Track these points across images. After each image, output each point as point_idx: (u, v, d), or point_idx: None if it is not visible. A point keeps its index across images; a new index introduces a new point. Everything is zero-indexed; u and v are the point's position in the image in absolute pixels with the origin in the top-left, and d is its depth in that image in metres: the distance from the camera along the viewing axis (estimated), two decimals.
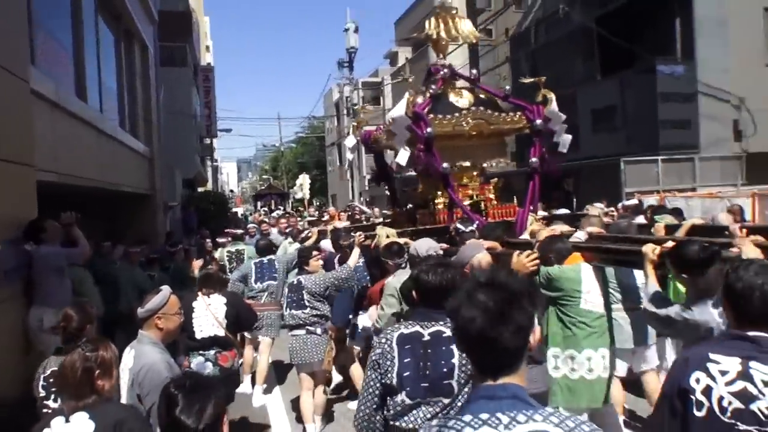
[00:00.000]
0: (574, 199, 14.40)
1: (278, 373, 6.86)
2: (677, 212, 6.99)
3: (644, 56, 14.52)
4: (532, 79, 6.12)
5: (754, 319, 1.86)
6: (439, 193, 6.03)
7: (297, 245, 7.39)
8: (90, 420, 2.17)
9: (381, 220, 9.25)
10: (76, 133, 6.84)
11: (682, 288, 4.14)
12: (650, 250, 3.14)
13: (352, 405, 5.50)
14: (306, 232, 8.08)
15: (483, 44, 19.63)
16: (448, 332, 2.32)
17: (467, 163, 6.22)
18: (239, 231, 9.86)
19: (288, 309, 5.07)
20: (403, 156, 5.71)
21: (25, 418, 2.85)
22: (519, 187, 6.59)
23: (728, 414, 1.78)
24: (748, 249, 2.82)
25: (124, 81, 10.36)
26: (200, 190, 25.34)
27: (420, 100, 5.72)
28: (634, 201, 10.30)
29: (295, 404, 5.62)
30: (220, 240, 9.29)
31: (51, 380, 2.95)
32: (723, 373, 1.82)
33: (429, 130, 5.53)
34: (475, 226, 4.95)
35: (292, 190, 31.60)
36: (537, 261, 3.56)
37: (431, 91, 6.09)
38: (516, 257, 3.47)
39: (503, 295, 1.38)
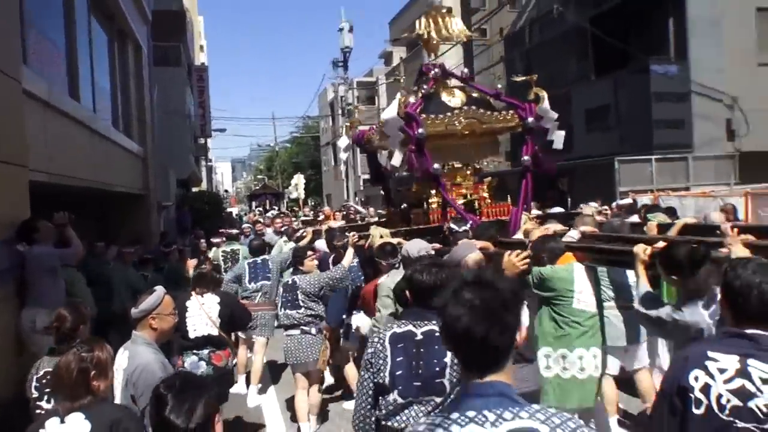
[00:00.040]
0: (569, 199, 14.44)
1: (273, 373, 6.87)
2: (671, 211, 7.04)
3: (638, 56, 14.58)
4: (524, 77, 6.15)
5: (752, 317, 1.88)
6: (433, 192, 6.04)
7: (292, 244, 7.39)
8: (86, 420, 2.16)
9: (376, 219, 9.25)
10: (68, 133, 6.81)
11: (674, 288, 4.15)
12: (641, 250, 3.09)
13: (347, 404, 5.51)
14: (301, 231, 8.08)
15: (477, 44, 19.63)
16: None
17: (460, 163, 6.23)
18: (234, 231, 9.84)
19: (283, 309, 5.08)
20: (397, 158, 5.72)
21: (19, 419, 2.84)
22: (513, 186, 6.61)
23: (727, 411, 1.80)
24: (738, 248, 2.84)
25: (118, 81, 10.29)
26: (194, 190, 25.24)
27: (412, 100, 5.73)
28: (628, 200, 10.32)
29: (289, 404, 5.63)
30: (215, 240, 9.28)
31: (44, 381, 2.94)
32: (721, 370, 1.83)
33: (420, 130, 5.54)
34: (468, 225, 4.96)
35: (287, 190, 31.52)
36: (528, 261, 3.56)
37: (423, 91, 6.10)
38: (507, 257, 3.47)
39: (489, 294, 1.39)
